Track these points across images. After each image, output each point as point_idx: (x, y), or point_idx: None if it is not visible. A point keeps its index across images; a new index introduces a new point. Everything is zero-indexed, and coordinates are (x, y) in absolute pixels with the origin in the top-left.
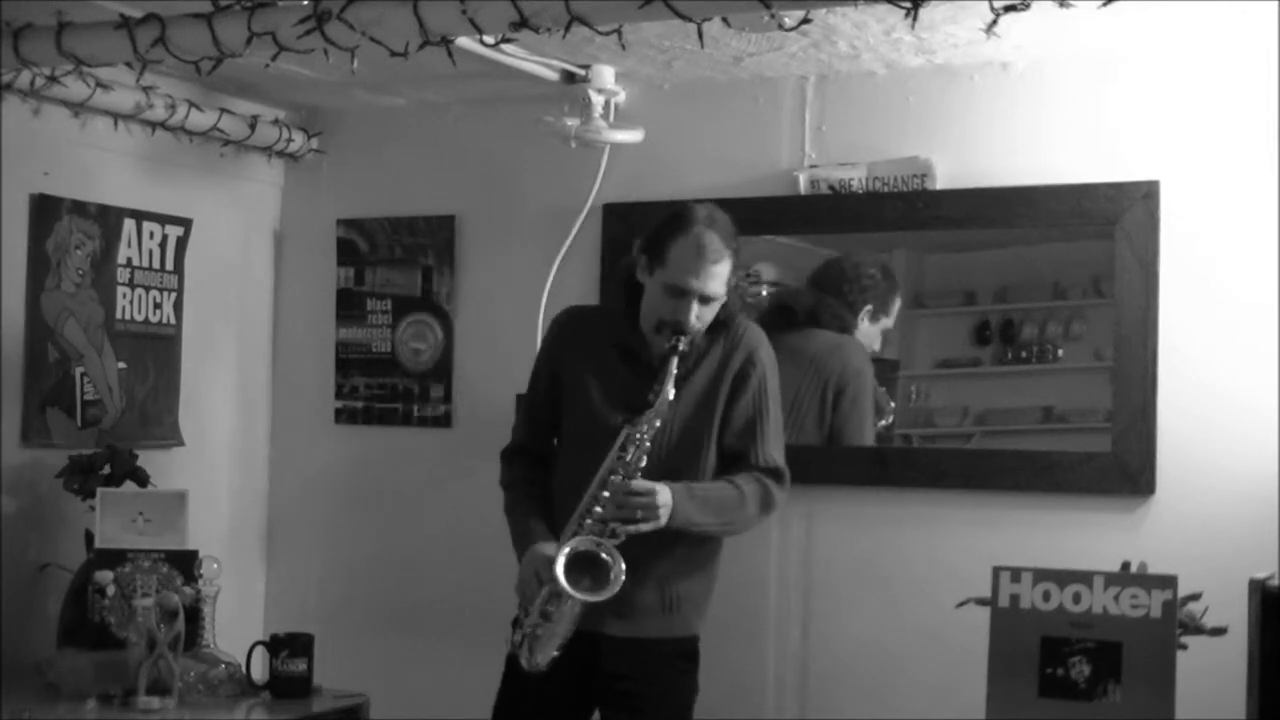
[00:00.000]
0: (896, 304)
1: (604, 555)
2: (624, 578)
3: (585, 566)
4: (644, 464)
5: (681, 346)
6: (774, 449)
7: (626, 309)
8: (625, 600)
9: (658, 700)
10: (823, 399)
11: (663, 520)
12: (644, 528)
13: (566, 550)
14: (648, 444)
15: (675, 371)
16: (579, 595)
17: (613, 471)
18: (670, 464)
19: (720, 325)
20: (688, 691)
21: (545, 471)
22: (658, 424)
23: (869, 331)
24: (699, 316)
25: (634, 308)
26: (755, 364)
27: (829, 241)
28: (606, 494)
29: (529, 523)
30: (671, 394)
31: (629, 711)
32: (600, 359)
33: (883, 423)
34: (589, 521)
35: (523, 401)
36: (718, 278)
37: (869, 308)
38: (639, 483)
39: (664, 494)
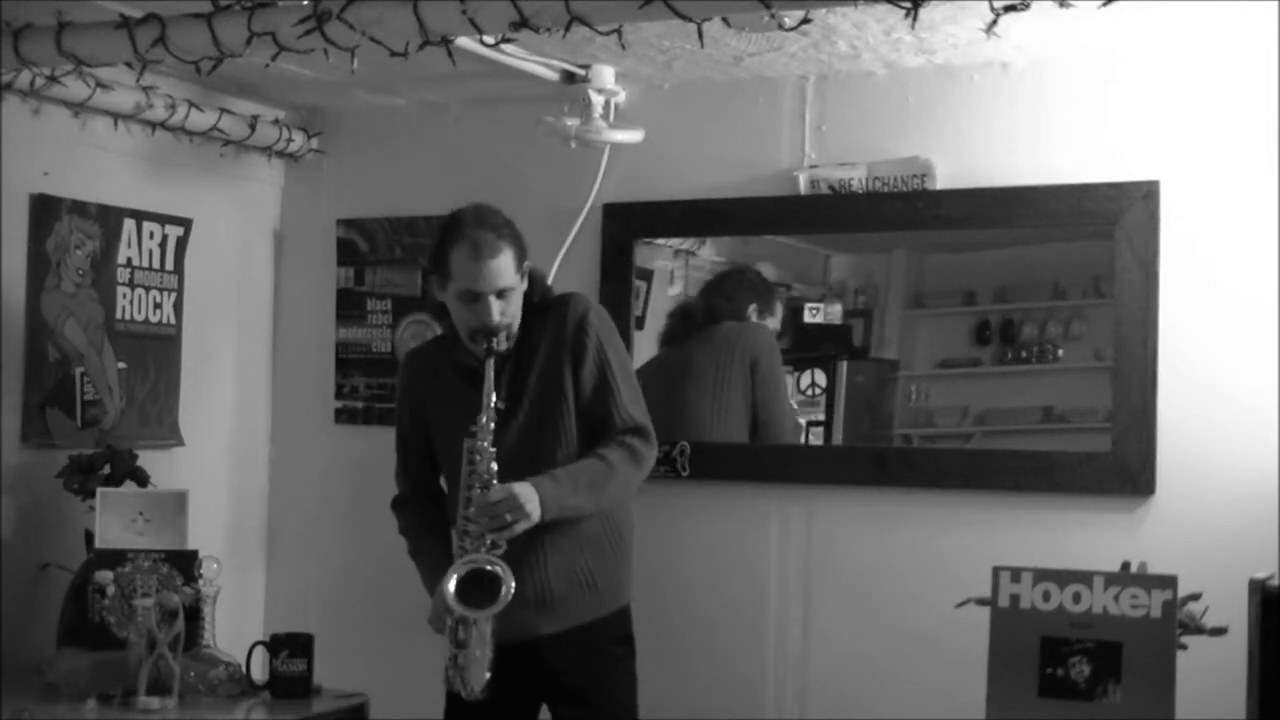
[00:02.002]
0: (779, 305)
1: (489, 568)
2: (513, 588)
3: (477, 584)
4: (495, 469)
5: (498, 347)
6: (630, 406)
7: (451, 329)
8: (547, 596)
9: (602, 689)
10: (742, 374)
11: (534, 515)
12: (519, 528)
13: (455, 576)
14: (491, 450)
15: (494, 374)
16: (471, 613)
17: (469, 486)
18: (530, 453)
19: (544, 305)
20: (629, 677)
21: (436, 507)
22: (492, 427)
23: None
24: (503, 312)
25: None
26: (587, 329)
27: (829, 241)
28: (473, 510)
29: (432, 559)
30: (494, 397)
31: (576, 704)
32: (444, 385)
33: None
34: (468, 541)
35: (397, 453)
36: (502, 271)
37: (753, 306)
38: (495, 490)
39: (524, 490)
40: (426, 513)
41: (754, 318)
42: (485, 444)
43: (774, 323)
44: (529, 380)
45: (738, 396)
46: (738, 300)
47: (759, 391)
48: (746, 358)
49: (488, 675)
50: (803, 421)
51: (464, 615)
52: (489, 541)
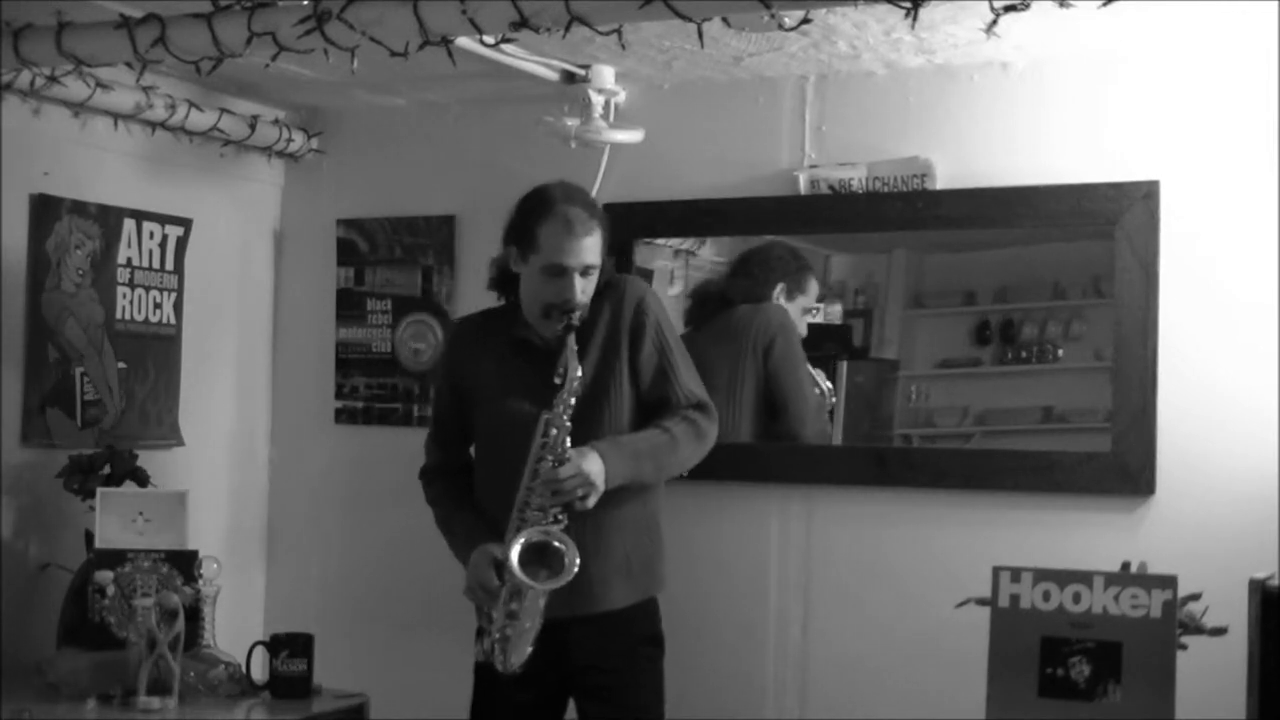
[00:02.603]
0: (812, 284)
1: (555, 543)
2: (579, 560)
3: (537, 557)
4: (569, 444)
5: (575, 323)
6: (691, 383)
7: (512, 305)
8: (586, 577)
9: (629, 688)
10: (754, 360)
11: (601, 486)
12: (590, 501)
13: (519, 545)
14: (568, 424)
15: (575, 348)
16: (540, 586)
17: (540, 459)
18: (584, 432)
19: (604, 287)
20: (657, 678)
21: (464, 479)
22: (573, 403)
23: (789, 309)
24: (583, 290)
25: (516, 300)
26: (646, 310)
27: (829, 241)
28: (539, 482)
29: (467, 527)
30: (579, 371)
31: (602, 702)
32: (497, 359)
33: (829, 401)
34: (530, 512)
35: (432, 421)
36: (591, 249)
37: (782, 285)
38: (567, 466)
39: (590, 463)
40: (455, 483)
41: (781, 298)
42: (564, 418)
43: (806, 301)
44: (586, 359)
45: (750, 391)
46: (763, 279)
47: (773, 376)
48: (759, 345)
49: (530, 650)
50: (828, 388)
51: (530, 586)
52: (552, 515)
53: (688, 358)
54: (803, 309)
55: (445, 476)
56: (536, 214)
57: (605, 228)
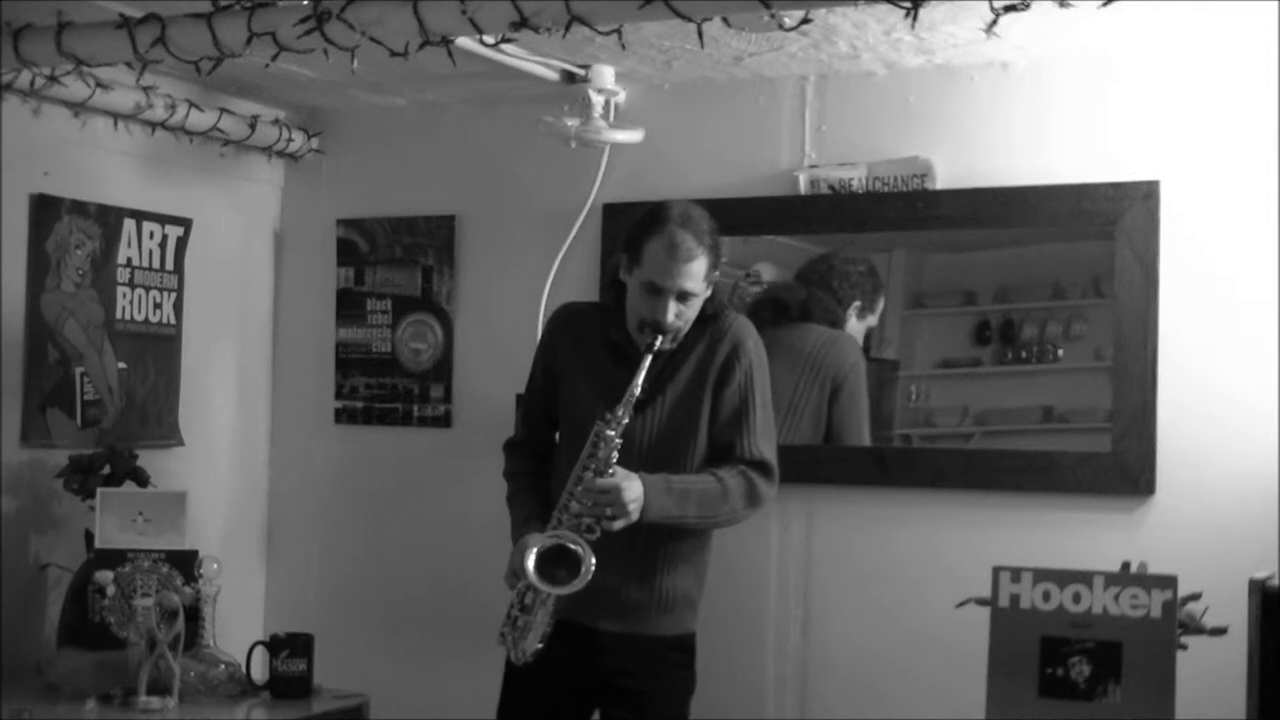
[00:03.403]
0: (881, 303)
1: (574, 548)
2: (593, 571)
3: (559, 559)
4: (615, 460)
5: (659, 345)
6: (761, 442)
7: (616, 306)
8: (619, 598)
9: (657, 696)
10: (820, 395)
11: (634, 515)
12: (616, 525)
13: (537, 547)
14: (617, 441)
15: (646, 369)
16: (545, 588)
17: (585, 467)
18: (658, 456)
19: (709, 318)
20: (686, 687)
21: (544, 463)
22: (626, 420)
23: (856, 329)
24: (678, 314)
25: (621, 304)
26: (741, 356)
27: (829, 241)
28: (581, 489)
29: (525, 512)
30: (638, 391)
31: (629, 709)
32: (590, 355)
33: None
34: (567, 516)
35: (524, 397)
36: (693, 275)
37: (857, 304)
38: (604, 480)
39: (633, 489)
40: (533, 463)
41: (853, 319)
42: (614, 434)
43: (872, 320)
44: (671, 386)
45: (810, 416)
46: (843, 295)
47: (835, 415)
48: (829, 381)
49: (539, 646)
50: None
51: (537, 586)
52: (585, 524)
53: (769, 415)
54: (867, 327)
55: (523, 456)
56: (648, 229)
57: (713, 255)
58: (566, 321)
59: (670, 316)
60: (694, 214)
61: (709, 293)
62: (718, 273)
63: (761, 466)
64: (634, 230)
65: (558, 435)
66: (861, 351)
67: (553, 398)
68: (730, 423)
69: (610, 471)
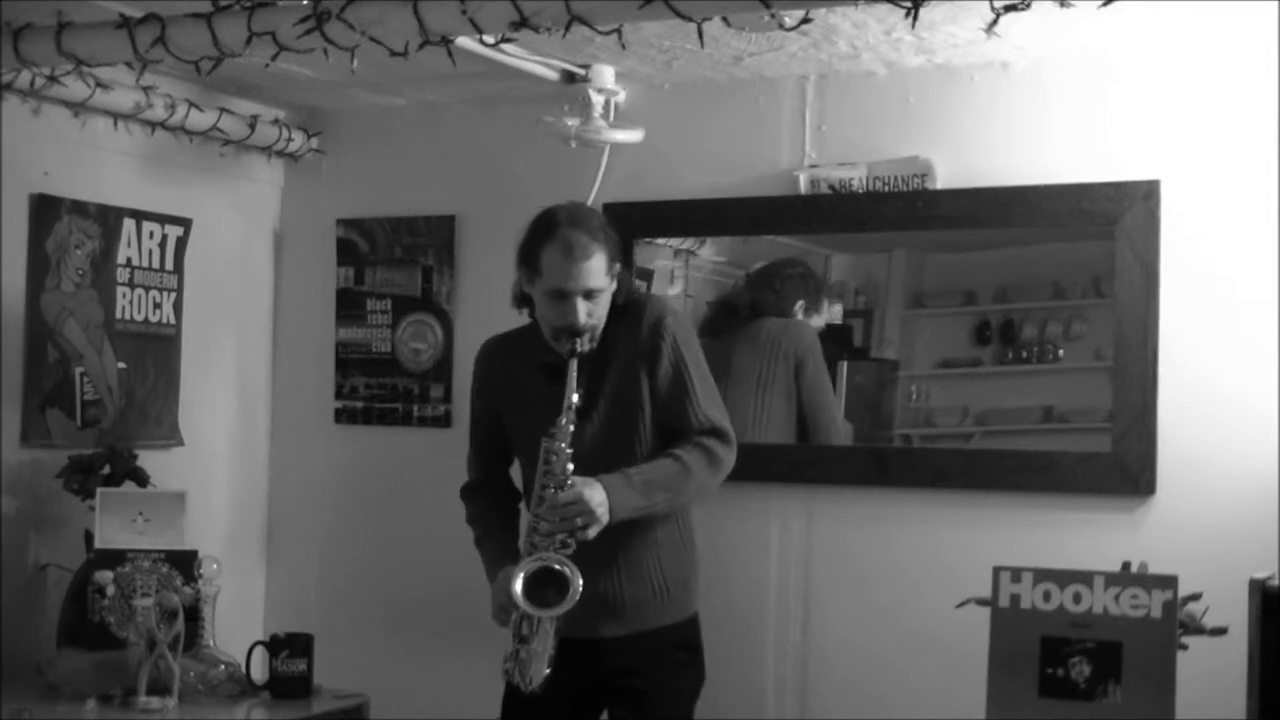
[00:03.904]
0: (825, 302)
1: (557, 567)
2: (582, 584)
3: (545, 581)
4: (570, 469)
5: (580, 348)
6: (709, 408)
7: (533, 321)
8: (617, 600)
9: (663, 694)
10: (786, 371)
11: (603, 519)
12: (590, 532)
13: (522, 573)
14: (568, 450)
15: (575, 374)
16: (540, 613)
17: (544, 485)
18: (607, 454)
19: (623, 308)
20: (689, 686)
21: (508, 497)
22: (571, 429)
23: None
24: (589, 314)
25: (537, 321)
26: (663, 333)
27: (829, 241)
28: (545, 508)
29: (495, 549)
30: (576, 398)
31: (634, 708)
32: (524, 380)
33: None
34: (538, 538)
35: (470, 440)
36: (593, 273)
37: (801, 303)
38: (565, 493)
39: (594, 494)
40: (495, 503)
41: (800, 315)
42: (563, 445)
43: (820, 321)
44: (606, 381)
45: (781, 398)
46: (785, 295)
47: (805, 394)
48: (791, 359)
49: (547, 671)
50: (849, 424)
51: (531, 613)
52: (559, 540)
53: (709, 381)
54: (818, 328)
55: (484, 495)
56: (539, 237)
57: (612, 248)
58: (493, 357)
59: (582, 317)
60: (581, 212)
61: (615, 285)
62: (618, 265)
63: (716, 432)
64: (527, 241)
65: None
66: (818, 336)
67: (501, 434)
68: (674, 399)
69: (569, 483)
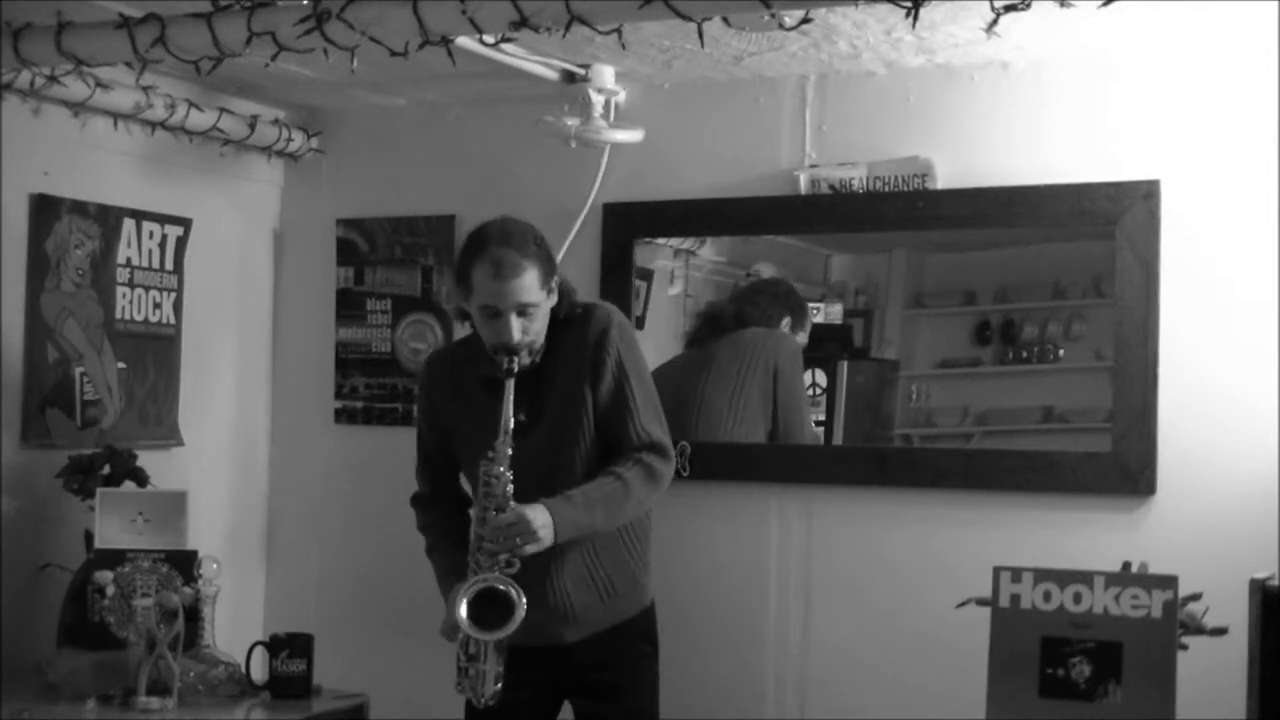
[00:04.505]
0: (809, 321)
1: (500, 587)
2: (524, 604)
3: (489, 600)
4: (510, 490)
5: (516, 366)
6: (648, 423)
7: (477, 338)
8: (566, 608)
9: (632, 684)
10: (765, 374)
11: (545, 540)
12: (529, 550)
13: (465, 598)
14: (508, 474)
15: (513, 392)
16: (484, 636)
17: (484, 507)
18: (549, 467)
19: (567, 320)
20: (655, 672)
21: (456, 510)
22: (509, 451)
23: None
24: (524, 330)
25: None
26: (607, 346)
27: (829, 241)
28: (487, 529)
29: (445, 564)
30: (512, 420)
31: (605, 700)
32: (468, 394)
33: None
34: (482, 558)
35: (417, 452)
36: (525, 289)
37: (787, 319)
38: (508, 514)
39: (537, 515)
40: (445, 513)
41: (786, 330)
42: (501, 468)
43: (803, 338)
44: (550, 394)
45: (757, 401)
46: (771, 312)
47: (781, 399)
48: (770, 364)
49: (498, 686)
50: (820, 432)
51: (474, 636)
52: (503, 561)
53: (651, 394)
54: (802, 344)
55: (433, 508)
56: (470, 255)
57: (543, 263)
58: (438, 371)
59: (516, 335)
60: (511, 228)
61: (554, 299)
62: (557, 277)
63: (654, 448)
64: (459, 259)
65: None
66: (800, 349)
67: (448, 446)
68: (614, 412)
69: (510, 505)
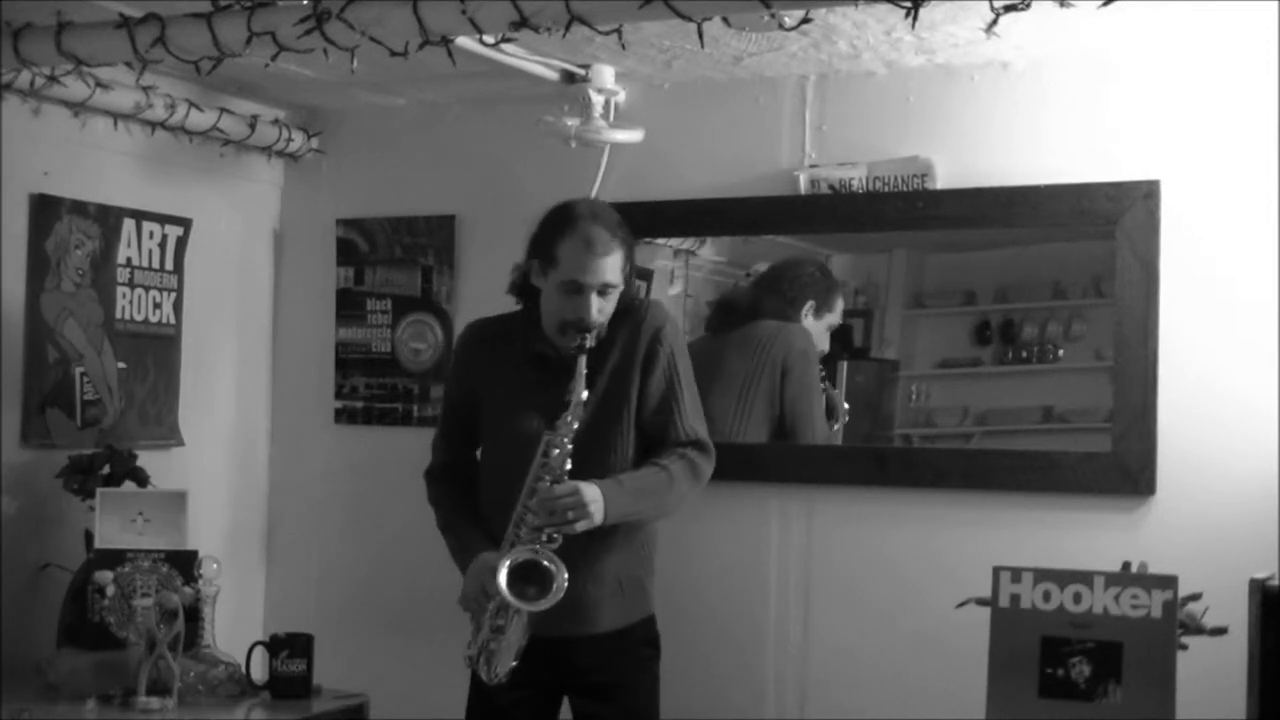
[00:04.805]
0: (840, 303)
1: (545, 563)
2: (567, 582)
3: (529, 575)
4: (568, 467)
5: (588, 344)
6: (693, 420)
7: (529, 315)
8: (579, 600)
9: (631, 686)
10: (771, 379)
11: (596, 518)
12: (579, 527)
13: (508, 562)
14: (570, 446)
15: (585, 370)
16: (525, 606)
17: (538, 478)
18: (590, 454)
19: (624, 310)
20: (656, 675)
21: (471, 485)
22: (575, 426)
23: (814, 327)
24: (600, 310)
25: (534, 312)
26: (662, 340)
27: (829, 241)
28: (535, 501)
29: (467, 535)
30: (585, 394)
31: (603, 701)
32: (510, 368)
33: (836, 425)
34: (523, 530)
35: (440, 421)
36: (610, 269)
37: (811, 303)
38: (563, 485)
39: (590, 491)
40: (459, 486)
41: (809, 317)
42: (565, 440)
43: (833, 319)
44: (598, 380)
45: (762, 402)
46: (794, 296)
47: (788, 398)
48: (778, 363)
49: (514, 664)
50: (845, 407)
51: (512, 605)
52: (545, 535)
53: (695, 393)
54: (828, 326)
55: (449, 478)
56: (558, 230)
57: (628, 248)
58: (480, 339)
59: (594, 313)
60: (600, 209)
61: (624, 285)
62: (631, 264)
63: (698, 445)
64: (543, 233)
65: (480, 455)
66: (812, 341)
67: (474, 419)
68: (661, 408)
69: (564, 478)
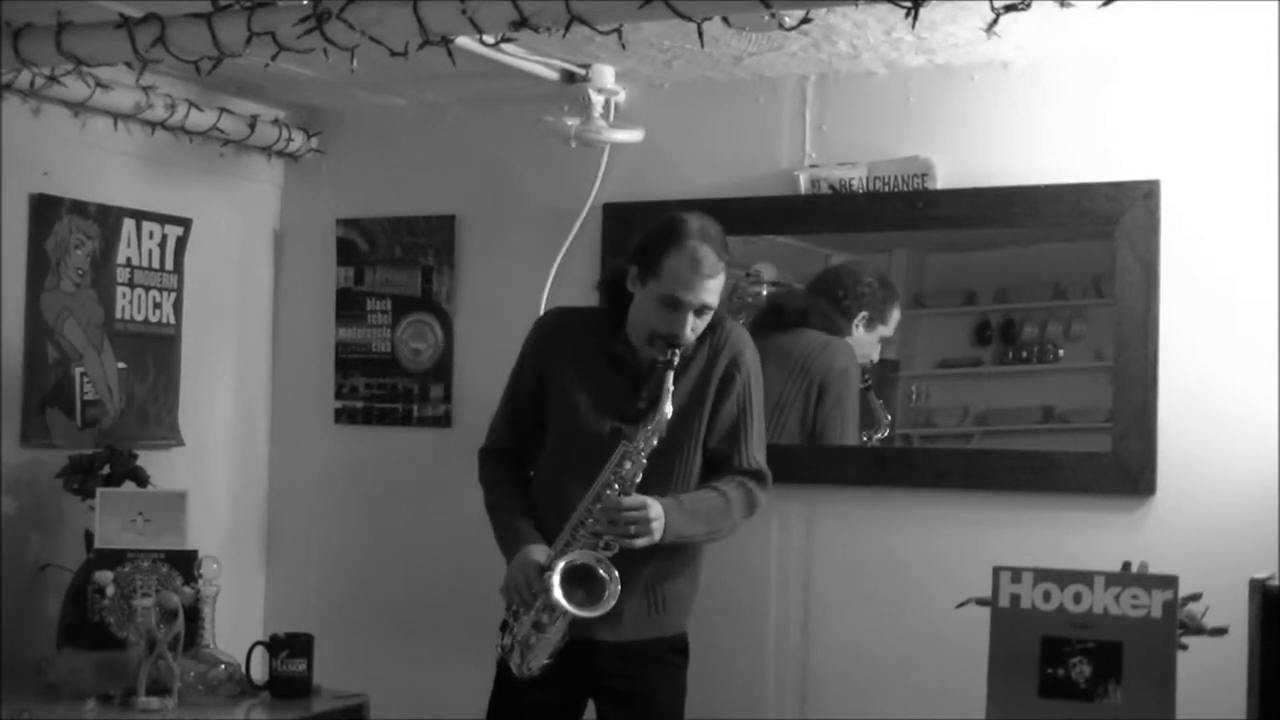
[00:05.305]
0: (895, 314)
1: (601, 571)
2: (619, 594)
3: (579, 578)
4: (639, 479)
5: (675, 360)
6: (757, 451)
7: (613, 315)
8: (615, 610)
9: (652, 695)
10: (806, 397)
11: (656, 536)
12: (639, 543)
13: (563, 564)
14: (644, 460)
15: (671, 388)
16: (576, 611)
17: (608, 485)
18: (655, 469)
19: (706, 329)
20: (682, 683)
21: (524, 469)
22: (655, 441)
23: (864, 339)
24: (694, 329)
25: (620, 314)
26: (740, 367)
27: (829, 241)
28: (600, 508)
29: (518, 523)
30: (669, 412)
31: (624, 707)
32: (588, 365)
33: (878, 435)
34: (581, 533)
35: (504, 401)
36: (713, 291)
37: (864, 314)
38: (633, 498)
39: (655, 508)
40: (517, 472)
41: (860, 328)
42: (642, 453)
43: (885, 331)
44: (673, 398)
45: (795, 417)
46: (848, 305)
47: (821, 416)
48: (816, 384)
49: (547, 661)
50: (887, 419)
51: (565, 609)
52: (603, 543)
53: (763, 423)
54: (880, 338)
55: (507, 463)
56: (667, 243)
57: (728, 270)
58: (561, 328)
59: (688, 331)
60: (711, 228)
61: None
62: (726, 287)
63: (757, 475)
64: (649, 243)
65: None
66: (855, 359)
67: (541, 406)
68: (729, 434)
69: (632, 489)
